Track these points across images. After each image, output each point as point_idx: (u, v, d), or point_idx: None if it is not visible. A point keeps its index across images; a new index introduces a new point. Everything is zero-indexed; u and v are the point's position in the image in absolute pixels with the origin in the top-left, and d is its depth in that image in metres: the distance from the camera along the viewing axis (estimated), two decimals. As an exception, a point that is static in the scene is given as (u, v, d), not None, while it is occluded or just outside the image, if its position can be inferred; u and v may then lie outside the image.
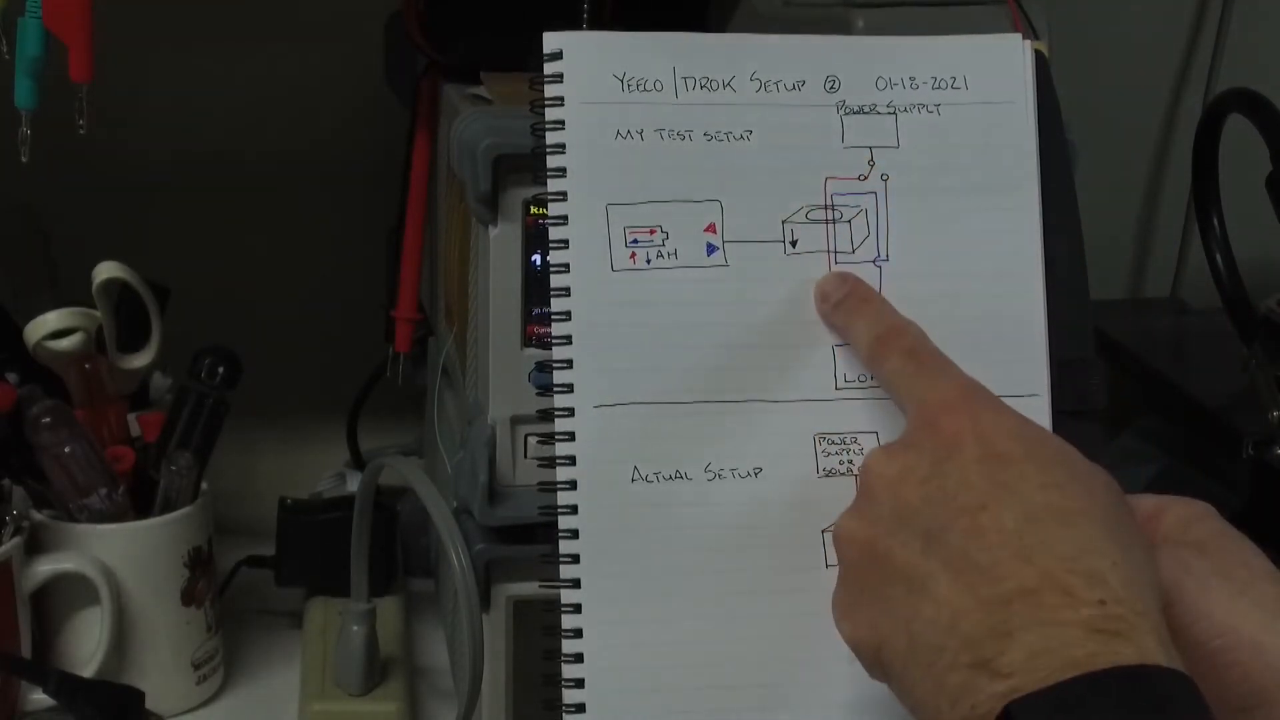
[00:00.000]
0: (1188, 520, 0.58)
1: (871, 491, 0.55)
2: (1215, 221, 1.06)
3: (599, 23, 0.91)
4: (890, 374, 0.58)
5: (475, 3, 0.93)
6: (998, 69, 0.63)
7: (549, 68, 0.60)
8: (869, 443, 0.60)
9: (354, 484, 1.05)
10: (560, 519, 0.59)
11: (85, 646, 0.91)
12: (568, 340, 0.59)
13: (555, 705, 0.59)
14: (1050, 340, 0.62)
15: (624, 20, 0.92)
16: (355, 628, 0.90)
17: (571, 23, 0.88)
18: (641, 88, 0.61)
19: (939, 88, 0.62)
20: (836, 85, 0.62)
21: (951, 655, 0.50)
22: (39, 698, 0.88)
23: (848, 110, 0.62)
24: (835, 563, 0.58)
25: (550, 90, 0.60)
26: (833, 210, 0.61)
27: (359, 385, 1.15)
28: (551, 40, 0.61)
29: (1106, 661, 0.47)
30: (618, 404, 0.59)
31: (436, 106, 0.98)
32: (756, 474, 0.60)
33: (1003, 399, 0.56)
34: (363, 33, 1.12)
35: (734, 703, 0.59)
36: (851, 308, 0.60)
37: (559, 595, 0.59)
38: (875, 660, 0.54)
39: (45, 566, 0.89)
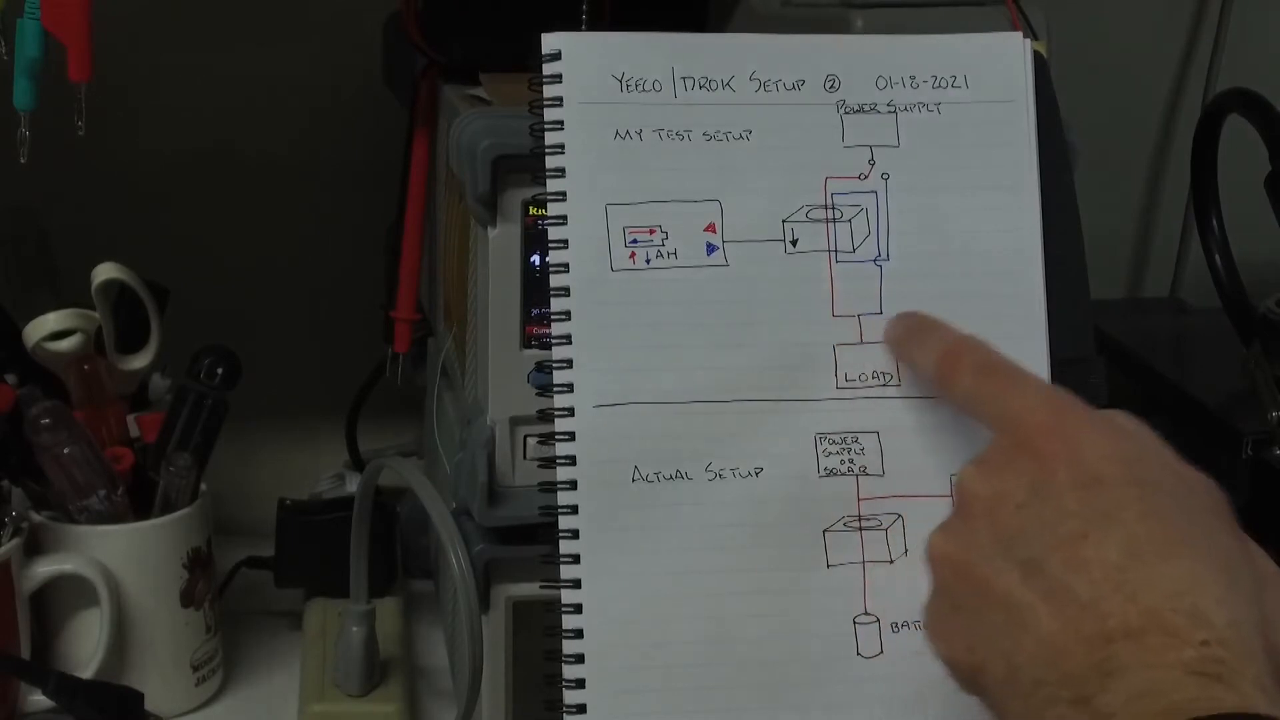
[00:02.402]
0: None
1: (967, 512, 0.54)
2: (1214, 221, 1.06)
3: (598, 23, 0.91)
4: (966, 394, 0.57)
5: (474, 3, 0.92)
6: (997, 68, 0.63)
7: (548, 68, 0.60)
8: (869, 442, 0.60)
9: (354, 484, 1.05)
10: (560, 519, 0.59)
11: (85, 648, 0.91)
12: (567, 340, 0.59)
13: (556, 705, 0.59)
14: (1050, 339, 0.62)
15: (623, 20, 0.92)
16: (355, 628, 0.90)
17: (570, 23, 0.88)
18: (640, 88, 0.61)
19: (939, 87, 0.62)
20: (836, 85, 0.62)
21: (1051, 690, 0.49)
22: (38, 699, 0.88)
23: (848, 109, 0.62)
24: (836, 562, 0.58)
25: (549, 90, 0.60)
26: (833, 209, 0.61)
27: (358, 385, 1.15)
28: (550, 41, 0.61)
29: (1206, 708, 0.46)
30: (618, 404, 0.59)
31: (435, 107, 0.98)
32: (757, 474, 0.60)
33: None
34: (362, 33, 1.12)
35: (734, 702, 0.59)
36: (917, 340, 0.60)
37: (559, 595, 0.59)
38: (971, 681, 0.54)
39: (45, 568, 0.89)
